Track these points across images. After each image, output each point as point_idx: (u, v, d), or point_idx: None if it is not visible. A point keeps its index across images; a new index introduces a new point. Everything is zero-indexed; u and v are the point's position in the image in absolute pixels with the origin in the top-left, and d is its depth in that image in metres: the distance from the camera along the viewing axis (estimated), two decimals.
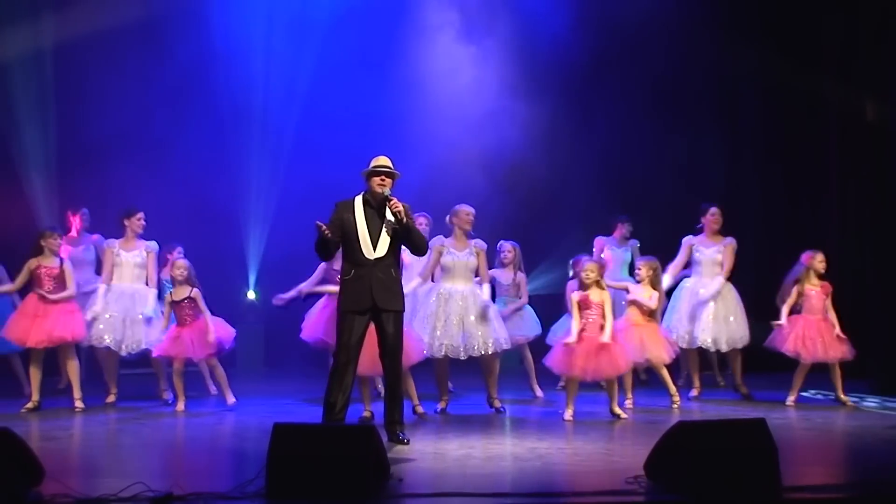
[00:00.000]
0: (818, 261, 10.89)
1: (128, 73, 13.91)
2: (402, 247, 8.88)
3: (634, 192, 14.35)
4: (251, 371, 13.97)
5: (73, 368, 10.84)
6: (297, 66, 14.12)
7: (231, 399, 10.74)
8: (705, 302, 11.33)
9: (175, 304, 10.66)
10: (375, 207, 8.64)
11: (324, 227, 8.44)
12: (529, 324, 11.42)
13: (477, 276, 10.55)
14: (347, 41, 14.20)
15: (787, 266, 11.11)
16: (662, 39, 14.18)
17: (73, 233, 11.89)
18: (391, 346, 8.67)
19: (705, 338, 11.30)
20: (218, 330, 10.73)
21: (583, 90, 14.41)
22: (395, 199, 8.52)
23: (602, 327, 9.87)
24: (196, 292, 10.69)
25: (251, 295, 14.19)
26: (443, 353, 10.21)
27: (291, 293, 10.69)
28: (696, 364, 11.60)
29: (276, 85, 14.28)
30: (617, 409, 9.99)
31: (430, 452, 8.19)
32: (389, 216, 8.58)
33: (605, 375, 9.97)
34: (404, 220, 8.54)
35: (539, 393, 11.57)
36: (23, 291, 11.15)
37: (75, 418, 10.26)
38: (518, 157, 14.01)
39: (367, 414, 9.91)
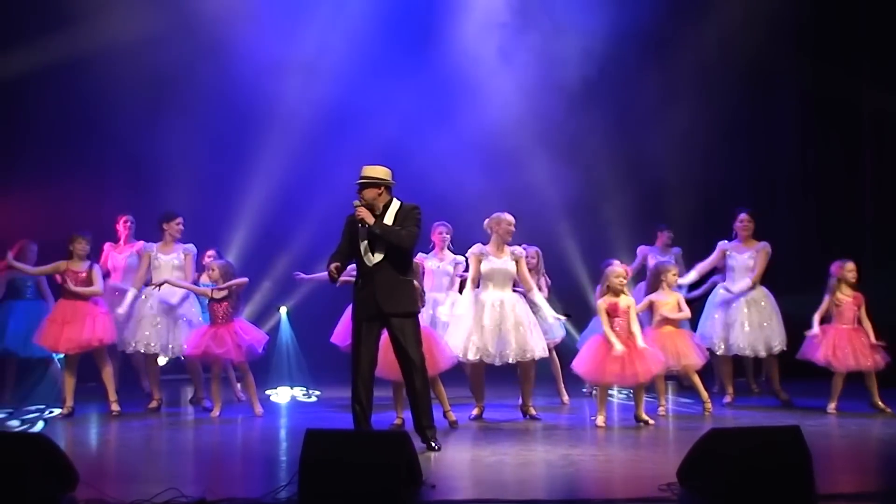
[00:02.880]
0: (847, 270, 10.78)
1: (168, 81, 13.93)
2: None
3: (667, 198, 14.28)
4: (282, 378, 13.96)
5: (107, 373, 10.90)
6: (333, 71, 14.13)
7: (259, 410, 10.68)
8: (733, 301, 11.31)
9: (214, 303, 10.66)
10: (377, 216, 8.66)
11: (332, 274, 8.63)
12: (553, 327, 11.36)
13: (517, 285, 10.51)
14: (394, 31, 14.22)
15: (820, 274, 11.03)
16: (695, 41, 14.11)
17: (121, 240, 11.99)
18: (407, 351, 8.61)
19: (740, 344, 11.24)
20: (249, 333, 10.72)
21: (612, 92, 14.34)
22: (357, 207, 8.61)
23: (630, 333, 9.88)
24: (234, 294, 10.70)
25: (283, 310, 14.21)
26: (477, 358, 10.17)
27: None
28: (730, 371, 11.54)
29: (313, 96, 14.27)
30: (643, 416, 9.94)
31: (462, 459, 8.18)
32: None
33: (641, 381, 9.94)
34: (365, 224, 8.57)
35: (566, 399, 11.54)
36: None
37: (109, 424, 10.31)
38: (547, 163, 14.01)
39: (398, 421, 9.91)
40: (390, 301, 8.58)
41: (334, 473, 6.38)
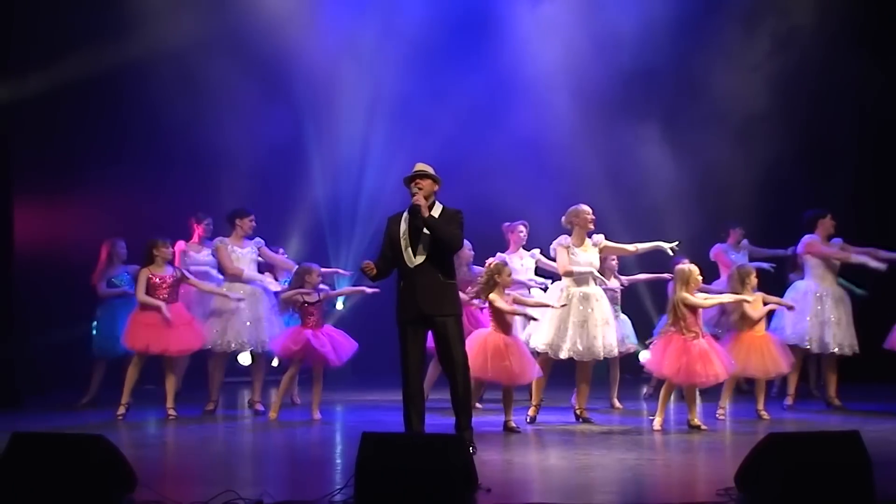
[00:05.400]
0: None
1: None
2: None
3: (722, 200, 14.17)
4: (339, 379, 14.02)
5: (171, 381, 10.98)
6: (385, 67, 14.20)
7: (317, 415, 10.70)
8: (824, 299, 11.25)
9: (306, 306, 10.66)
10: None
11: (369, 268, 8.53)
12: (630, 335, 11.30)
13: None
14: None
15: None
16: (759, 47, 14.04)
17: (195, 240, 12.07)
18: (451, 351, 8.53)
19: (833, 343, 11.16)
20: (343, 340, 10.75)
21: (678, 93, 14.27)
22: (415, 196, 8.51)
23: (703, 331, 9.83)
24: (324, 296, 10.78)
25: (339, 305, 14.26)
26: (568, 356, 10.13)
27: None
28: (798, 373, 11.40)
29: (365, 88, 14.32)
30: (696, 421, 9.82)
31: (518, 463, 8.17)
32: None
33: (721, 379, 9.89)
34: (423, 214, 8.44)
35: (619, 405, 11.49)
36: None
37: (167, 426, 10.40)
38: (614, 164, 14.01)
39: (512, 425, 9.82)
40: (432, 303, 8.50)
41: (390, 476, 6.37)
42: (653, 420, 9.85)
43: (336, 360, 10.64)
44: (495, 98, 14.27)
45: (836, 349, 11.18)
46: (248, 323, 11.17)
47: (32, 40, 12.56)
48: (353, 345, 10.85)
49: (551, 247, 10.46)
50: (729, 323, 10.63)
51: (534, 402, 10.41)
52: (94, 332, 11.83)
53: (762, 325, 10.51)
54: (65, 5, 13.01)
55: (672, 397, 10.15)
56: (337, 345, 10.63)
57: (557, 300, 10.17)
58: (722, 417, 10.36)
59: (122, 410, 10.71)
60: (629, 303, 12.14)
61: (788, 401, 11.24)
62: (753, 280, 10.49)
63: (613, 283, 11.19)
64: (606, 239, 10.47)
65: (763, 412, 10.46)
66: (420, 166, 8.67)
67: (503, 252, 11.44)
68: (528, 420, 10.25)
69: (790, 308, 10.74)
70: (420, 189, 8.54)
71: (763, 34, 14.13)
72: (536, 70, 14.27)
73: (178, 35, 13.31)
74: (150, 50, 13.22)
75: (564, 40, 14.17)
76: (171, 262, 11.03)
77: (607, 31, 14.16)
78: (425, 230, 8.51)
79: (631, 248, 10.44)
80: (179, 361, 11.41)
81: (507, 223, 11.72)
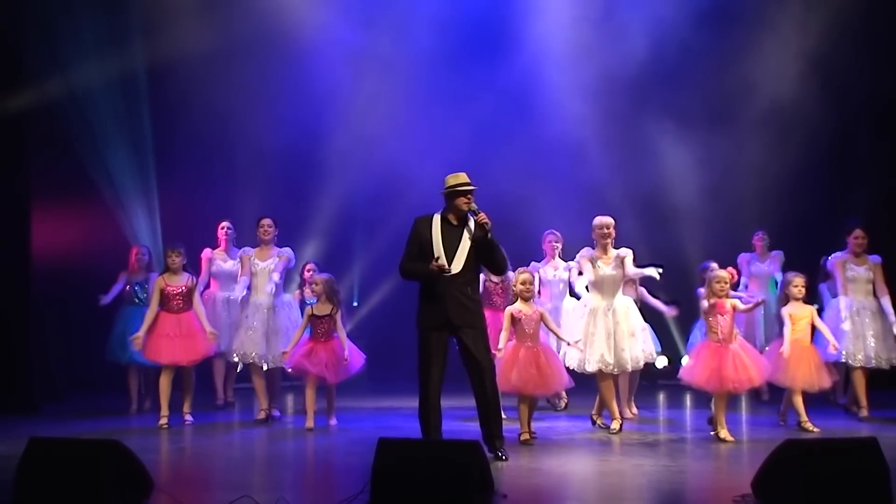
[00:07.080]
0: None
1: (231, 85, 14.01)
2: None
3: (760, 206, 14.06)
4: (355, 386, 14.01)
5: (189, 387, 10.97)
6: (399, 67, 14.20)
7: (333, 422, 10.67)
8: (862, 313, 11.11)
9: (315, 319, 10.59)
10: (454, 225, 8.58)
11: (442, 267, 8.44)
12: (652, 345, 11.26)
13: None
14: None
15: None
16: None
17: (222, 246, 12.10)
18: (475, 362, 8.52)
19: (875, 356, 11.03)
20: (351, 354, 10.59)
21: (708, 97, 14.21)
22: (482, 213, 8.47)
23: (733, 334, 9.68)
24: (335, 311, 10.62)
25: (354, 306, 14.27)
26: (597, 368, 10.08)
27: None
28: (864, 384, 11.15)
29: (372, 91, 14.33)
30: (724, 432, 9.70)
31: (534, 468, 8.16)
32: (468, 232, 8.53)
33: (755, 384, 9.84)
34: (489, 233, 8.45)
35: (635, 411, 11.36)
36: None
37: (184, 432, 10.41)
38: (645, 168, 13.99)
39: (525, 436, 9.59)
40: (460, 313, 8.48)
41: (406, 482, 6.39)
42: (717, 433, 9.65)
43: (333, 378, 10.52)
44: (516, 102, 14.22)
45: (875, 363, 11.07)
46: (253, 334, 11.12)
47: (48, 47, 12.57)
48: (359, 359, 10.70)
49: (576, 258, 10.43)
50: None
51: (615, 417, 10.18)
52: (110, 336, 11.87)
53: (807, 336, 10.39)
54: (80, 11, 13.02)
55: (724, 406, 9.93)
56: (338, 361, 10.47)
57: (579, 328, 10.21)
58: (815, 429, 10.07)
59: (163, 421, 10.59)
60: (650, 312, 12.09)
61: (864, 412, 10.96)
62: (793, 290, 10.36)
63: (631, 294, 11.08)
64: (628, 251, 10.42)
65: (784, 419, 10.41)
66: (467, 178, 8.59)
67: (538, 262, 11.48)
68: (613, 431, 10.07)
69: (835, 348, 10.57)
70: (471, 203, 8.53)
71: (786, 34, 14.03)
72: (558, 71, 14.23)
73: (196, 40, 13.28)
74: (167, 56, 13.19)
75: (584, 37, 14.12)
76: (187, 270, 11.03)
77: (624, 27, 14.11)
78: (467, 241, 8.52)
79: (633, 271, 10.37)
80: (218, 368, 11.79)
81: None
